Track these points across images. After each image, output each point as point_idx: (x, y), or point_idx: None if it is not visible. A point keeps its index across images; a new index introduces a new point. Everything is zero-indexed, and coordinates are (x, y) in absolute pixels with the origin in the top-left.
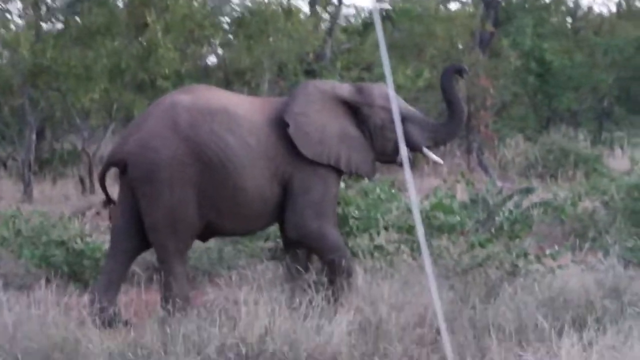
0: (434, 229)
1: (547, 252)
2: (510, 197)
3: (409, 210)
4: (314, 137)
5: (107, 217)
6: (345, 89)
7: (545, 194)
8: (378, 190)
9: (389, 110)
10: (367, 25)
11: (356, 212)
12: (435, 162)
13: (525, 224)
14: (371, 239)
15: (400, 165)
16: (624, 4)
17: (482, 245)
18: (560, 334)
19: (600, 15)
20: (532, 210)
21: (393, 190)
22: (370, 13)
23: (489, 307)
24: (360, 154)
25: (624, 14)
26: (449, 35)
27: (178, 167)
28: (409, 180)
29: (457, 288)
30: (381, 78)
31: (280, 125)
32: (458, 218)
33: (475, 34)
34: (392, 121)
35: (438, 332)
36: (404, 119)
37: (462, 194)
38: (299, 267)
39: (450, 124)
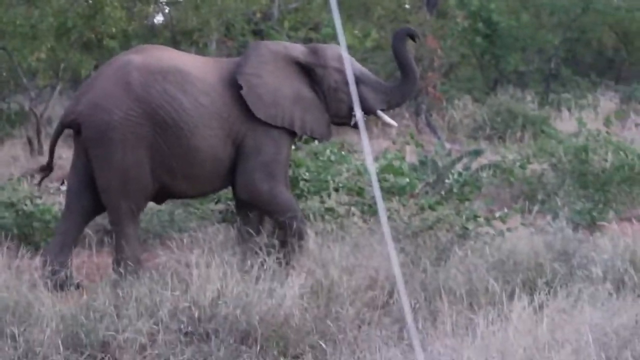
0: (384, 192)
1: (497, 214)
2: (459, 159)
3: (359, 173)
4: (267, 99)
5: (56, 178)
6: (298, 50)
7: (493, 156)
8: (328, 152)
9: (342, 72)
10: None
11: (306, 174)
12: (387, 124)
13: (475, 186)
14: (322, 201)
15: (355, 127)
16: None
17: (432, 208)
18: (511, 297)
19: None
20: (481, 172)
21: (343, 152)
22: None
23: (439, 269)
24: (315, 115)
25: None
26: None
27: (131, 127)
28: (366, 144)
29: (407, 251)
30: (329, 38)
31: (234, 86)
32: (408, 180)
33: None
34: (345, 83)
35: (390, 294)
36: (358, 82)
37: (411, 156)
38: (250, 229)
39: (403, 86)
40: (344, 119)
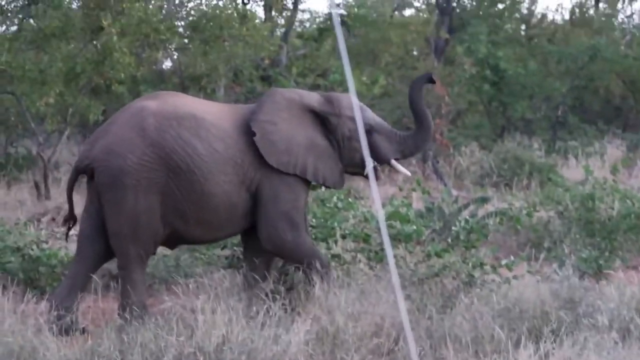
0: (390, 238)
1: (503, 262)
2: (466, 206)
3: (366, 219)
4: (280, 146)
5: (62, 223)
6: (313, 98)
7: (500, 203)
8: (335, 198)
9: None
10: (323, 31)
11: (313, 220)
12: (401, 173)
13: (481, 233)
14: (328, 247)
15: (367, 176)
16: (577, 11)
17: (438, 255)
18: (516, 345)
19: (553, 22)
20: (487, 219)
21: (350, 199)
22: (326, 19)
23: (445, 317)
24: (327, 164)
25: (578, 21)
26: (403, 41)
27: (144, 172)
28: (375, 191)
29: (413, 298)
30: (337, 84)
31: (248, 132)
32: (414, 227)
33: (429, 41)
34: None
35: (395, 341)
36: (372, 131)
37: (417, 202)
38: (256, 275)
39: (417, 135)
40: (357, 168)
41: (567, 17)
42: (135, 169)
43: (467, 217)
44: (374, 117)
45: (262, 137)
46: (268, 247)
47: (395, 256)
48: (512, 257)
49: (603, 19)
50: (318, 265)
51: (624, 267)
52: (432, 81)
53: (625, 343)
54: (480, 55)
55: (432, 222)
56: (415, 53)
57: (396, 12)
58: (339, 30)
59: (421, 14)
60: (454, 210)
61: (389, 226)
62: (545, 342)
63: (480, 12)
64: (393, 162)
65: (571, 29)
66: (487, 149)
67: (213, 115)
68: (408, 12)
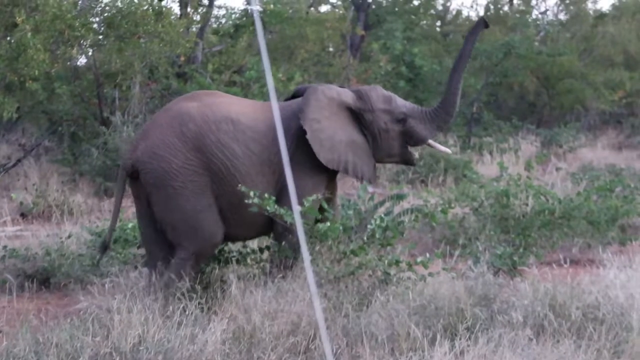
0: (305, 236)
1: (419, 259)
2: (381, 203)
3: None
4: (326, 145)
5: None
6: (348, 95)
7: (416, 200)
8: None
9: (390, 112)
10: (239, 27)
11: None
12: (442, 152)
13: (397, 230)
14: (244, 245)
15: (406, 163)
16: (492, 8)
17: (354, 253)
18: (432, 342)
19: (468, 19)
20: (403, 216)
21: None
22: (242, 15)
23: (361, 315)
24: (364, 159)
25: (493, 18)
26: (319, 38)
27: (190, 176)
28: (291, 188)
29: (330, 296)
30: (253, 81)
31: (284, 132)
32: (329, 225)
33: (345, 37)
34: (395, 121)
35: (312, 340)
36: (407, 117)
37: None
38: (172, 274)
39: (445, 102)
40: (395, 157)
41: (482, 13)
42: (182, 173)
43: (383, 214)
44: (404, 104)
45: (312, 136)
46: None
47: (311, 254)
48: (427, 254)
49: (517, 15)
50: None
51: (538, 264)
52: (486, 25)
53: (539, 339)
54: (396, 51)
55: (348, 220)
56: (331, 49)
57: (312, 9)
58: (259, 27)
59: (337, 10)
60: (370, 207)
61: (304, 224)
62: (460, 339)
63: (396, 9)
64: (431, 141)
65: None
66: None
67: (248, 116)
68: (324, 8)
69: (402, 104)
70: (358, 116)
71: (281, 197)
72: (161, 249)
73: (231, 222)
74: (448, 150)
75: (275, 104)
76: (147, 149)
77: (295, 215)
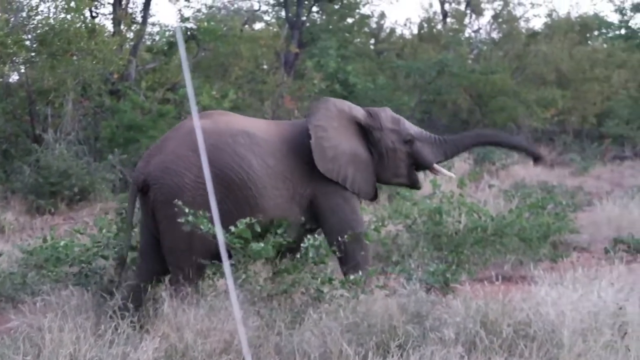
0: (239, 254)
1: (351, 277)
2: None
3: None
4: (328, 154)
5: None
6: (359, 112)
7: None
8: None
9: (398, 132)
10: (172, 45)
11: None
12: (445, 175)
13: (330, 249)
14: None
15: (411, 187)
16: (425, 26)
17: (287, 271)
18: (364, 359)
19: (402, 37)
20: None
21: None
22: (175, 32)
23: (294, 332)
24: (364, 176)
25: (426, 36)
26: (253, 55)
27: (200, 190)
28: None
29: (262, 314)
30: (187, 98)
31: (296, 148)
32: (262, 244)
33: (280, 55)
34: (402, 142)
35: (244, 358)
36: (414, 140)
37: None
38: (103, 293)
39: (457, 142)
40: (402, 178)
41: (415, 31)
42: (193, 187)
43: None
44: (412, 127)
45: (315, 142)
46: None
47: (245, 272)
48: (360, 272)
49: (451, 34)
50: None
51: (470, 280)
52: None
53: (471, 356)
54: (330, 69)
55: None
56: (265, 67)
57: (246, 26)
58: (182, 48)
59: (271, 28)
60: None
61: (237, 242)
62: (392, 356)
63: (330, 27)
64: (435, 165)
65: (419, 44)
66: None
67: (262, 131)
68: (258, 26)
69: (410, 127)
70: (367, 133)
71: (319, 219)
72: (152, 266)
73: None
74: (452, 175)
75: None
76: (160, 163)
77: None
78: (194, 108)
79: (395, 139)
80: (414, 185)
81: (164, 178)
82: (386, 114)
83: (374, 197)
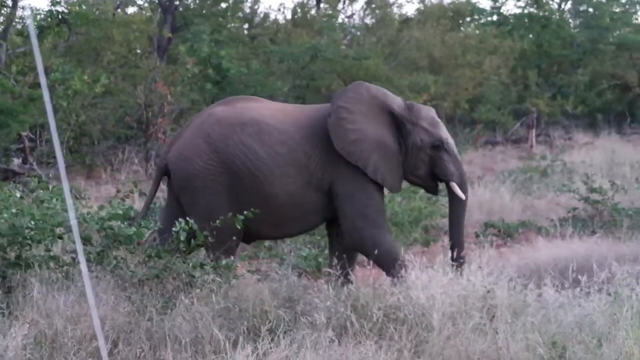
0: (110, 240)
1: (224, 261)
2: None
3: (85, 220)
4: (350, 136)
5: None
6: (395, 101)
7: None
8: (54, 200)
9: (431, 134)
10: (44, 29)
11: (31, 222)
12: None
13: (202, 235)
14: (47, 249)
15: (429, 190)
16: (299, 11)
17: (158, 256)
18: (235, 344)
19: (276, 22)
20: None
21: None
22: (47, 16)
23: (165, 318)
24: (389, 166)
25: (300, 21)
26: (126, 40)
27: (210, 176)
28: (66, 188)
29: (134, 299)
30: (58, 82)
31: (314, 134)
32: (134, 229)
33: (152, 40)
34: (430, 144)
35: (115, 344)
36: (443, 147)
37: (138, 202)
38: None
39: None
40: (418, 180)
41: (289, 16)
42: (203, 173)
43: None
44: (448, 136)
45: (335, 122)
46: (349, 243)
47: (115, 257)
48: (232, 257)
49: (324, 19)
50: (393, 265)
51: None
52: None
53: (342, 340)
54: (203, 54)
55: (153, 223)
56: (138, 51)
57: (119, 10)
58: (33, 36)
59: (144, 13)
60: None
61: (109, 227)
62: (263, 340)
63: (204, 11)
64: (452, 183)
65: (293, 29)
66: None
67: (277, 119)
68: (131, 10)
69: (446, 135)
70: (398, 124)
71: (337, 205)
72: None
73: (255, 221)
74: (463, 196)
75: (49, 107)
76: (176, 150)
77: (72, 222)
78: (44, 85)
79: (425, 138)
80: (429, 190)
81: (179, 164)
82: (427, 113)
83: (398, 189)
